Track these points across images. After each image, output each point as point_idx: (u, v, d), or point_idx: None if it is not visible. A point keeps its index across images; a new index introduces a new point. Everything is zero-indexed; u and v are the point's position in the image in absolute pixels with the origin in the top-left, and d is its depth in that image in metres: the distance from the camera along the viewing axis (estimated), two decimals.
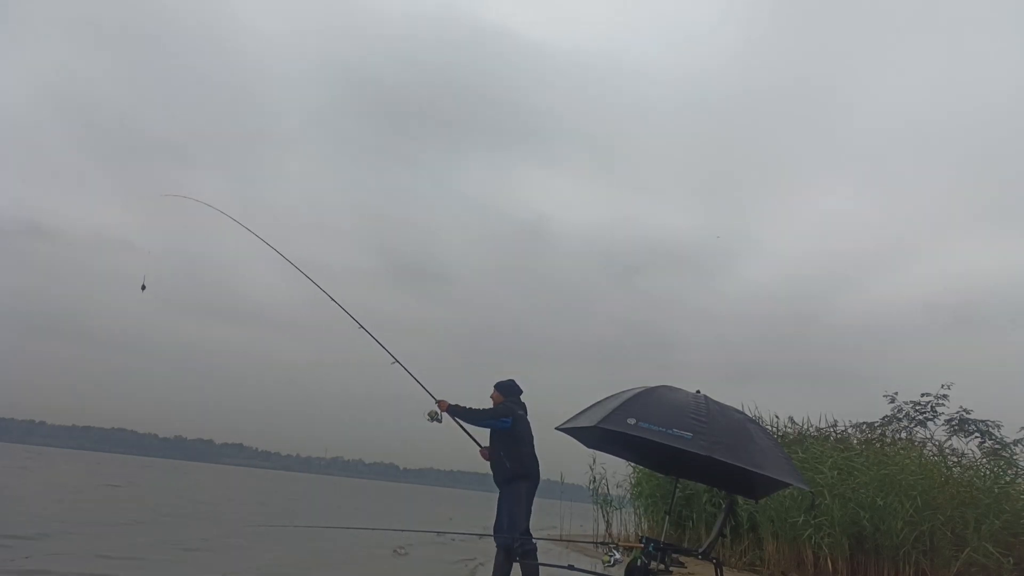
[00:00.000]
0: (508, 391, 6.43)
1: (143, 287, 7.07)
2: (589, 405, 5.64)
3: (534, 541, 6.03)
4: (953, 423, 12.01)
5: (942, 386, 12.37)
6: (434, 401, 6.13)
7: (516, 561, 5.99)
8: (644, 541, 5.81)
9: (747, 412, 7.55)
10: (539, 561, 6.01)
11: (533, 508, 6.25)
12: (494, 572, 6.08)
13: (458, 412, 6.08)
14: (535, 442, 6.34)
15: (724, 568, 5.88)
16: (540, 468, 6.30)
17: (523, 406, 6.44)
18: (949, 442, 11.51)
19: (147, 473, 42.85)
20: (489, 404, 6.36)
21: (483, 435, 6.40)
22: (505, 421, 6.12)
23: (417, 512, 28.10)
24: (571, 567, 5.89)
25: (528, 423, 6.37)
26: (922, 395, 12.55)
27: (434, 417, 6.11)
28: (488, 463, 6.34)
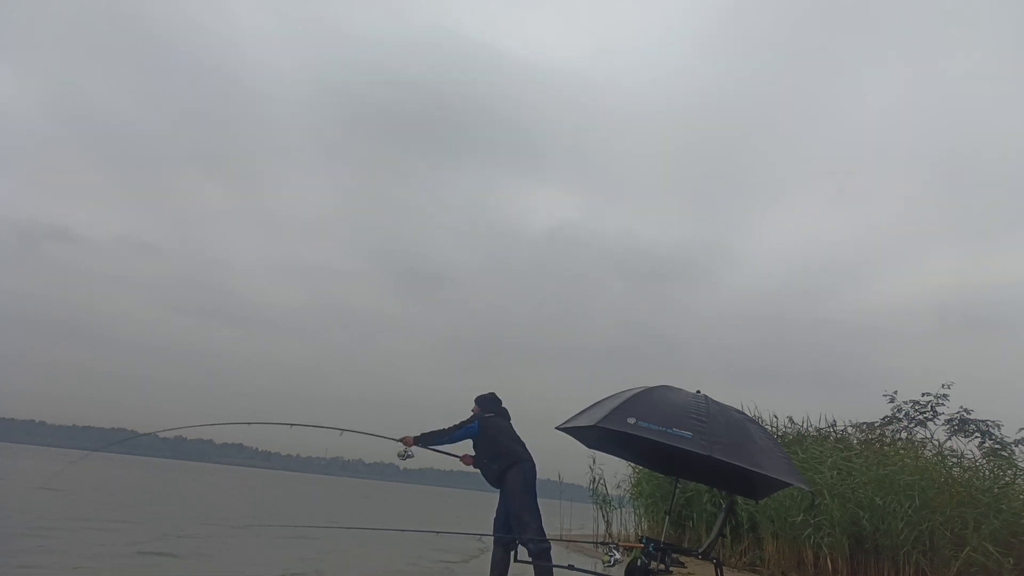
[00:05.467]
0: (485, 404, 6.59)
1: None
2: (589, 405, 5.64)
3: (548, 541, 5.99)
4: (953, 423, 12.00)
5: (942, 386, 12.38)
6: (397, 442, 6.22)
7: (517, 560, 5.98)
8: (644, 541, 5.80)
9: (747, 412, 7.54)
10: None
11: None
12: (492, 568, 6.07)
13: (426, 439, 6.20)
14: (522, 438, 6.42)
15: (724, 568, 5.88)
16: (529, 451, 6.33)
17: (503, 412, 6.58)
18: (949, 442, 11.52)
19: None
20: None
21: (463, 447, 6.50)
22: (471, 427, 6.26)
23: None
24: (571, 567, 5.88)
25: (504, 423, 6.47)
26: (922, 395, 12.55)
27: (404, 455, 6.22)
28: (473, 469, 6.41)
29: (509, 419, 6.56)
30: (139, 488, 25.84)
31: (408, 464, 6.45)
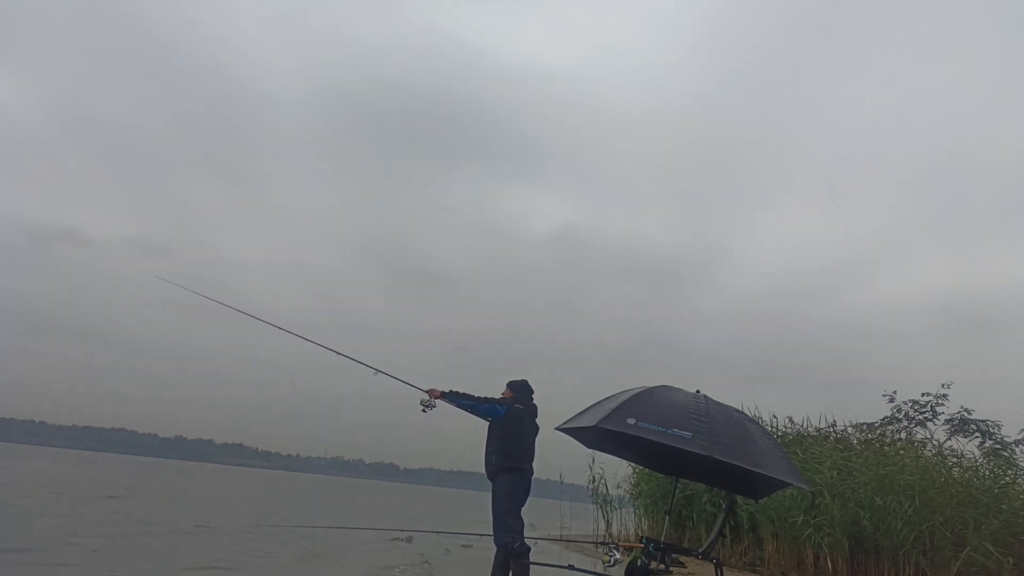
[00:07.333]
0: (518, 390, 6.47)
1: None
2: (589, 405, 5.65)
3: (527, 542, 5.96)
4: (954, 423, 12.00)
5: (942, 385, 12.36)
6: (424, 392, 6.20)
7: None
8: (644, 541, 5.82)
9: (747, 412, 7.55)
10: (540, 562, 5.97)
11: (530, 506, 6.19)
12: (493, 571, 6.08)
13: (454, 396, 6.17)
14: (536, 442, 6.32)
15: (724, 568, 5.89)
16: (533, 464, 6.26)
17: (531, 407, 6.45)
18: (949, 442, 11.52)
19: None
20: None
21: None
22: (498, 410, 6.16)
23: None
24: (571, 567, 5.90)
25: (528, 422, 6.35)
26: (922, 395, 12.54)
27: (427, 405, 6.19)
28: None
29: (536, 414, 6.43)
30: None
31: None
